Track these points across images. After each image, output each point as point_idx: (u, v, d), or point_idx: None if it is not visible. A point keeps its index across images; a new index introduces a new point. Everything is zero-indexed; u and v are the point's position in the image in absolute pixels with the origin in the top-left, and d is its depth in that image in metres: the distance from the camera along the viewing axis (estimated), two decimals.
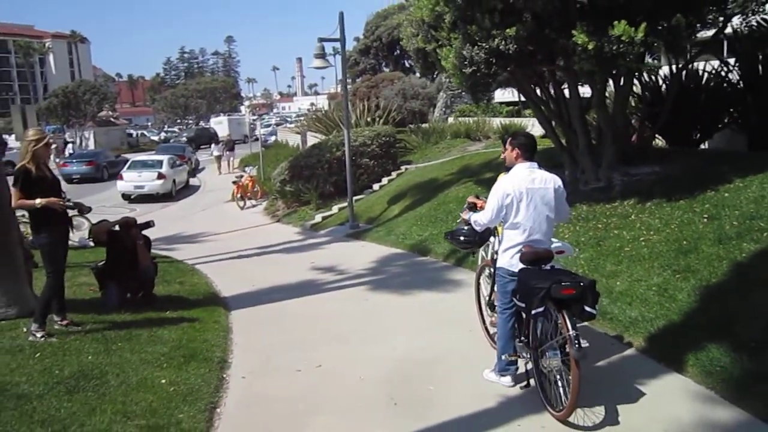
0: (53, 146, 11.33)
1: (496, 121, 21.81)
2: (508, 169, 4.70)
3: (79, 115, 55.36)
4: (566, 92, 10.51)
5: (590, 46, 7.14)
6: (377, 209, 14.77)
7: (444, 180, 14.82)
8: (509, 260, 4.52)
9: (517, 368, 4.70)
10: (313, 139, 24.02)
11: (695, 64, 12.58)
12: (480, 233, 5.07)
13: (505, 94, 22.35)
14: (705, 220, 7.03)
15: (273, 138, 38.45)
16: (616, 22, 6.86)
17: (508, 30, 8.00)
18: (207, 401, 4.62)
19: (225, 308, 7.57)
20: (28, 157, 5.68)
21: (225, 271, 10.25)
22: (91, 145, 44.11)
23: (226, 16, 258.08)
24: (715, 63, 12.24)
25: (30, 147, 5.65)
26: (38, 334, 5.71)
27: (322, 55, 13.65)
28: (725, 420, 4.00)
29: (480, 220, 4.66)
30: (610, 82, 10.04)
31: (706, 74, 12.09)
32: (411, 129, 23.63)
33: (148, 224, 8.08)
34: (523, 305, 4.20)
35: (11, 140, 27.34)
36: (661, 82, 12.46)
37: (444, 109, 27.68)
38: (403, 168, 19.16)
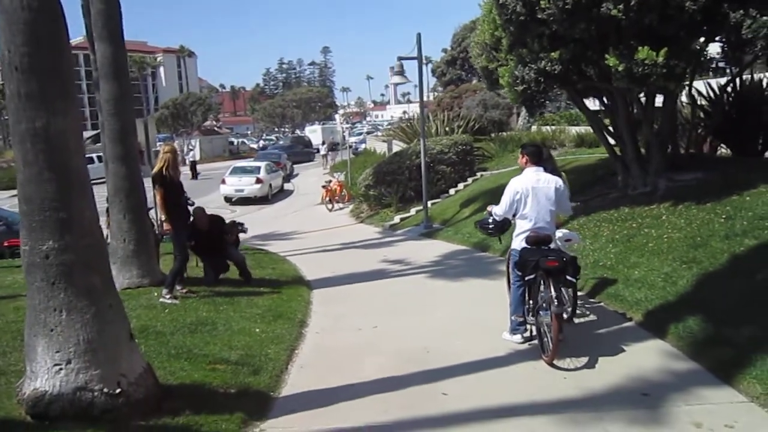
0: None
1: (574, 130, 22.56)
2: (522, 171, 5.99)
3: (187, 125, 59.95)
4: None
5: (620, 68, 8.23)
6: (450, 212, 16.05)
7: None
8: (519, 243, 5.81)
9: (525, 329, 5.95)
10: (398, 147, 25.60)
11: (762, 75, 13.12)
12: (500, 223, 6.35)
13: (589, 103, 23.02)
14: (722, 220, 7.93)
15: (363, 146, 40.54)
16: (640, 47, 7.92)
17: (552, 53, 9.19)
18: (288, 344, 6.21)
19: (308, 287, 9.18)
20: (163, 165, 7.52)
21: (310, 261, 11.91)
22: (197, 153, 47.86)
23: (323, 27, 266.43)
24: None
25: (165, 157, 7.49)
26: (167, 297, 7.52)
27: (401, 72, 15.22)
28: (678, 368, 5.13)
29: (497, 211, 5.99)
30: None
31: None
32: (491, 138, 24.75)
33: (242, 226, 9.82)
34: (520, 273, 5.51)
35: None
36: (722, 93, 13.07)
37: (527, 118, 28.57)
38: (478, 174, 20.32)
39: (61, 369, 3.91)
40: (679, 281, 6.79)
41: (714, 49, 11.05)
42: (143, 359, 4.50)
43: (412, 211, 17.55)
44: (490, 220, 6.40)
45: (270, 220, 21.28)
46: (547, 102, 27.17)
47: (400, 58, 14.94)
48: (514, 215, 5.93)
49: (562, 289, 5.82)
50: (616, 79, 8.76)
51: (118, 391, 4.00)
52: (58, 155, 3.90)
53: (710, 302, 6.05)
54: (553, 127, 24.10)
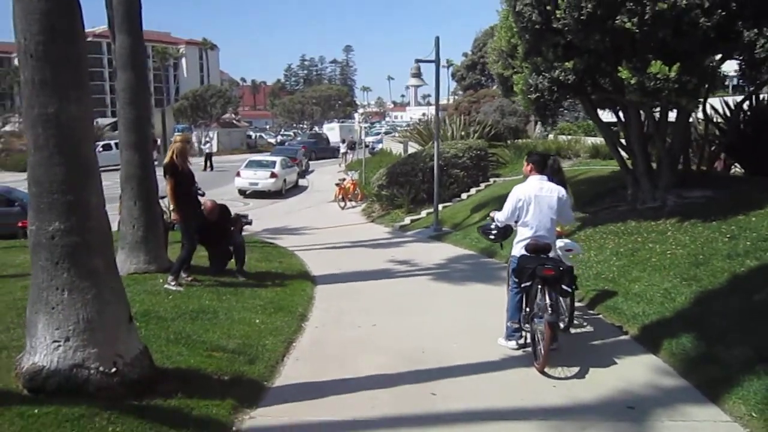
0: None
1: (590, 141, 22.50)
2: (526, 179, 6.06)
3: (206, 117, 60.42)
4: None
5: (632, 81, 8.26)
6: (461, 216, 16.11)
7: None
8: (519, 250, 5.87)
9: (521, 336, 6.00)
10: (414, 148, 25.68)
11: None
12: (502, 229, 6.40)
13: (604, 115, 23.08)
14: (726, 239, 7.93)
15: (380, 146, 40.71)
16: (652, 62, 7.94)
17: (566, 63, 9.22)
18: (286, 336, 6.32)
19: (312, 282, 9.29)
20: (173, 154, 7.66)
21: (318, 257, 12.02)
22: (214, 146, 48.31)
23: (346, 25, 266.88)
24: None
25: (176, 147, 7.63)
26: (172, 284, 7.66)
27: (417, 75, 15.31)
28: (667, 384, 5.17)
29: (498, 217, 6.07)
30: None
31: None
32: (506, 144, 24.77)
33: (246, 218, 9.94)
34: (517, 280, 5.58)
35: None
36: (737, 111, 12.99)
37: (545, 126, 28.48)
38: (491, 180, 20.37)
39: (59, 346, 4.05)
40: (677, 298, 6.81)
41: (732, 66, 11.04)
42: (140, 341, 4.63)
43: (423, 213, 17.62)
44: (493, 226, 6.46)
45: (282, 214, 21.46)
46: (565, 111, 27.31)
47: (418, 61, 15.02)
48: (516, 222, 6.00)
49: (560, 298, 5.88)
50: (628, 92, 8.79)
51: (113, 370, 4.14)
52: (68, 141, 4.04)
53: (706, 320, 6.07)
54: (569, 137, 24.07)
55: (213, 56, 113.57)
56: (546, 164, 5.99)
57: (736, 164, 13.84)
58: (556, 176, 6.66)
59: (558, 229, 6.45)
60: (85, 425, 3.79)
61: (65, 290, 4.08)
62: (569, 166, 19.74)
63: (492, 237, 6.53)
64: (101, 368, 4.09)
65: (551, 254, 5.79)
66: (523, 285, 5.48)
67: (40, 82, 3.95)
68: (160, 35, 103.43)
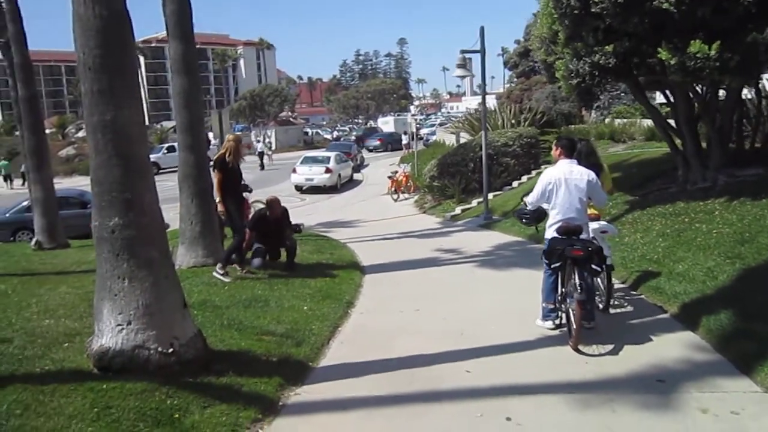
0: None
1: (645, 123, 22.05)
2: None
3: (263, 116, 61.94)
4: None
5: (673, 61, 8.21)
6: (511, 204, 16.12)
7: None
8: (551, 233, 6.03)
9: (557, 316, 6.16)
10: (465, 139, 25.76)
11: None
12: (534, 212, 6.54)
13: (657, 97, 22.52)
14: None
15: (434, 137, 40.93)
16: (692, 41, 7.88)
17: (607, 47, 9.22)
18: (332, 322, 6.68)
19: (361, 272, 9.63)
20: (227, 151, 8.12)
21: (368, 248, 12.38)
22: (273, 143, 49.56)
23: (400, 19, 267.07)
24: None
25: (230, 146, 8.10)
26: (220, 272, 8.12)
27: (463, 65, 15.44)
28: (701, 359, 5.24)
29: (528, 199, 6.25)
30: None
31: None
32: (559, 131, 24.52)
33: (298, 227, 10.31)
34: (547, 261, 5.75)
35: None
36: None
37: (601, 110, 27.99)
38: (543, 167, 20.23)
39: (122, 329, 4.52)
40: (720, 276, 6.81)
41: None
42: (194, 325, 5.07)
43: (474, 202, 17.75)
44: (526, 209, 6.63)
45: (337, 208, 21.97)
46: (622, 94, 26.74)
47: (463, 51, 15.15)
48: (548, 205, 6.15)
49: (597, 279, 6.02)
50: (670, 73, 8.73)
51: (170, 350, 4.58)
52: (124, 144, 4.50)
53: (746, 297, 6.08)
54: (625, 120, 23.63)
55: (270, 56, 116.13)
56: (575, 148, 6.12)
57: None
58: (587, 160, 6.74)
59: (595, 212, 6.57)
60: (147, 398, 4.25)
61: (126, 279, 4.55)
62: (622, 150, 19.48)
63: (525, 221, 6.69)
64: (160, 349, 4.54)
65: (583, 236, 5.93)
66: (552, 266, 5.66)
67: (98, 92, 4.41)
68: (219, 38, 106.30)
